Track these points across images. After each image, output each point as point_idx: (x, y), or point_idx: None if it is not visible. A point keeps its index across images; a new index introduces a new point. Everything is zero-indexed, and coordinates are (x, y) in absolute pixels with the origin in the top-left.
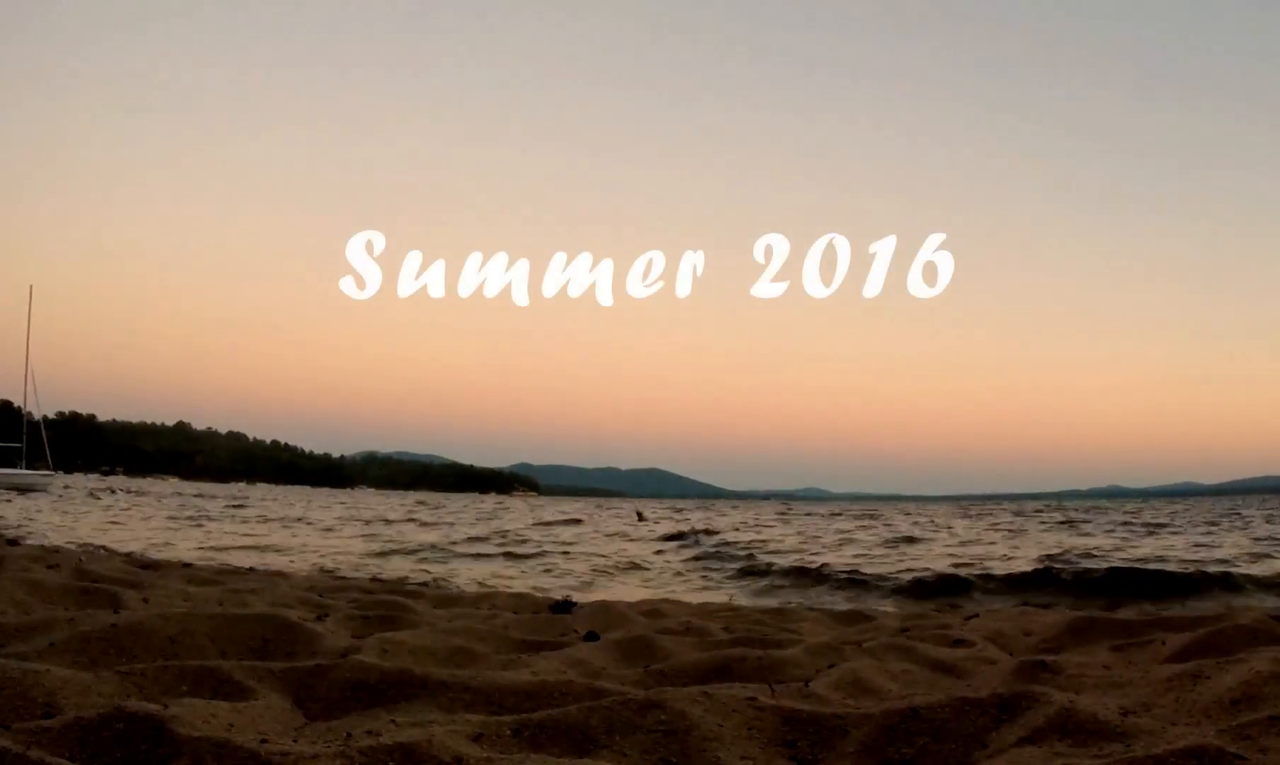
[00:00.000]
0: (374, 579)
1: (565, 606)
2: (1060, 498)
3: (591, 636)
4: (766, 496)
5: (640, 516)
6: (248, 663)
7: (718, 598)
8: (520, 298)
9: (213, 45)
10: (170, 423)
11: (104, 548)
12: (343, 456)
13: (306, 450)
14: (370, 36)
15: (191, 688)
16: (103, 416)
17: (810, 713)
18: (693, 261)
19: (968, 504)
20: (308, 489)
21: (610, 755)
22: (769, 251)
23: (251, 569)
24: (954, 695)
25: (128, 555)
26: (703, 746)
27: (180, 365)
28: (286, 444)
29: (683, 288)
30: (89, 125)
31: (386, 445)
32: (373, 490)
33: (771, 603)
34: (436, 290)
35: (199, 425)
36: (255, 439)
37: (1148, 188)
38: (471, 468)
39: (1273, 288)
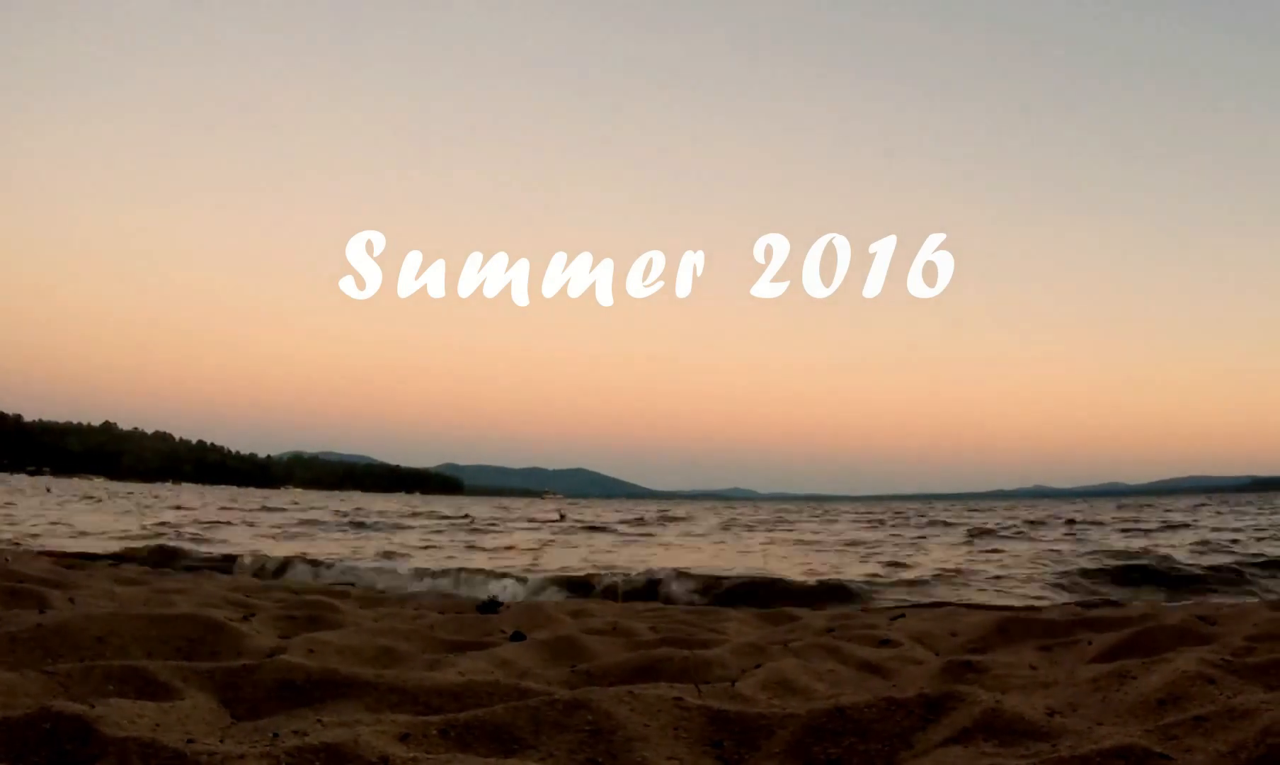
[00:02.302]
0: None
1: (492, 606)
2: (986, 498)
3: (518, 636)
4: (693, 496)
5: (561, 516)
6: (174, 663)
7: None
8: (444, 299)
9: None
10: (97, 423)
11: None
12: (269, 457)
13: (233, 450)
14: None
15: (118, 688)
16: (29, 417)
17: (736, 713)
18: (614, 268)
19: (894, 504)
20: (234, 489)
21: (537, 755)
22: (697, 258)
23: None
24: (880, 695)
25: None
26: (629, 746)
27: (106, 366)
28: (213, 444)
29: (607, 292)
30: (11, 121)
31: (313, 446)
32: (299, 490)
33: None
34: (366, 293)
35: (125, 425)
36: (182, 439)
37: (1071, 191)
38: (397, 468)
39: (1197, 293)
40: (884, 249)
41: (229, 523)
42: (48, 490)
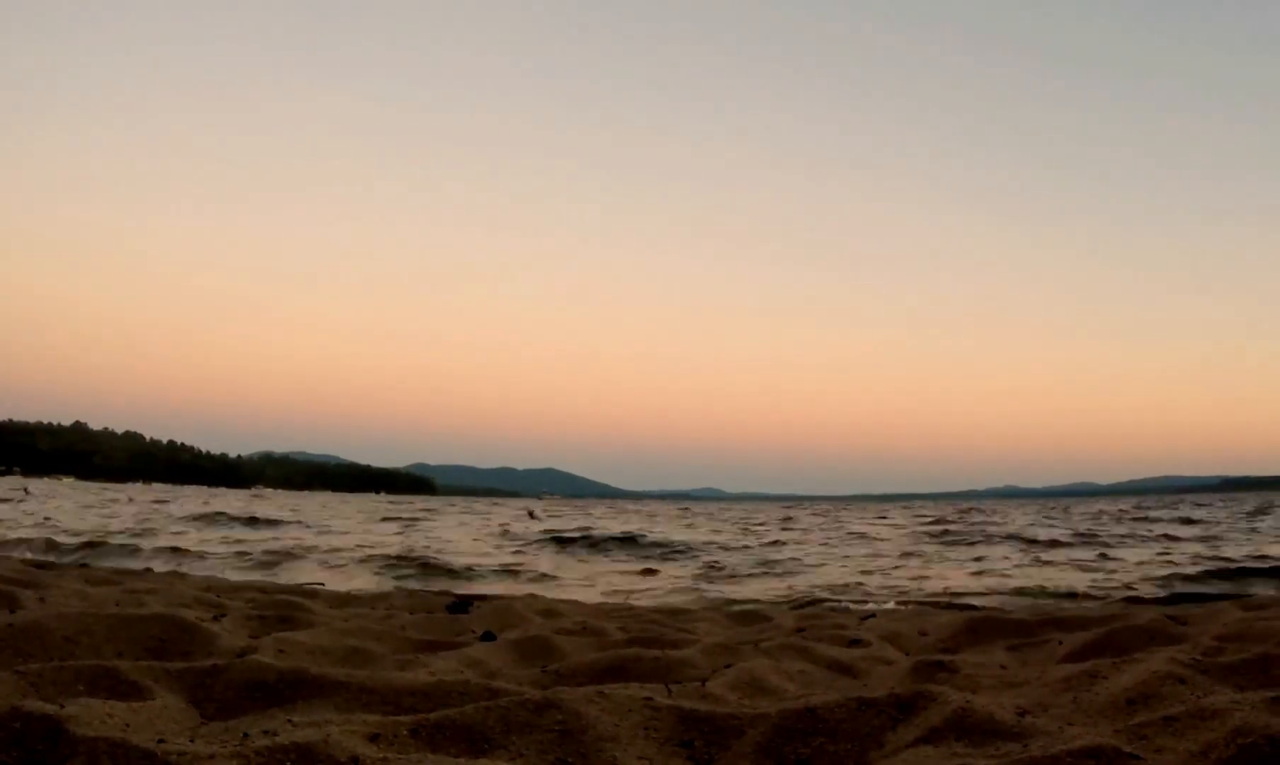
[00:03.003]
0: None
1: (462, 606)
2: (959, 498)
3: (488, 636)
4: (662, 496)
5: (531, 515)
6: (144, 663)
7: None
8: (416, 300)
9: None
10: (67, 422)
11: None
12: (240, 456)
13: (204, 450)
14: None
15: (88, 687)
16: None
17: (707, 712)
18: (589, 267)
19: (864, 504)
20: (205, 489)
21: (507, 755)
22: (669, 259)
23: (149, 569)
24: (850, 695)
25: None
26: (599, 746)
27: (77, 365)
28: (184, 444)
29: (579, 291)
30: None
31: (284, 445)
32: (269, 489)
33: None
34: (337, 291)
35: (96, 425)
36: (152, 439)
37: (1042, 192)
38: (368, 468)
39: (1169, 295)
40: (854, 251)
41: None
42: (25, 491)
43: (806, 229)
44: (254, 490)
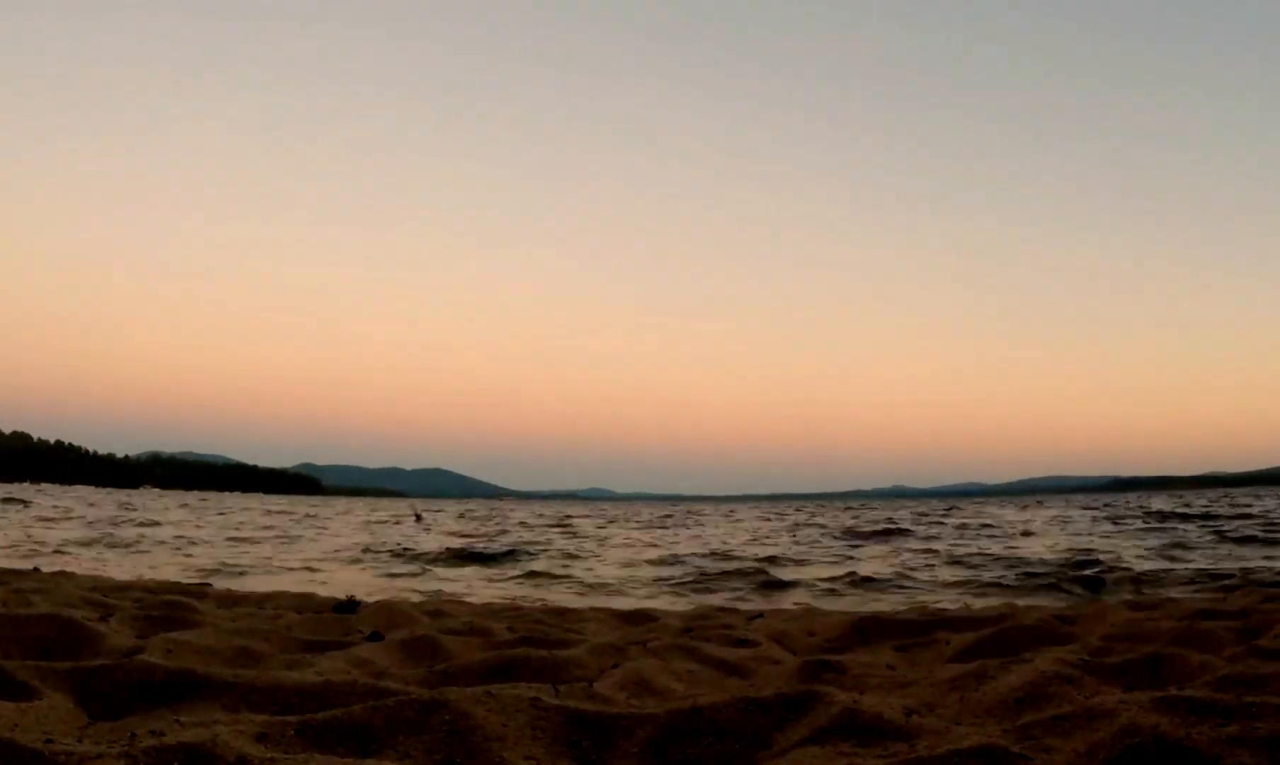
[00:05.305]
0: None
1: (349, 606)
2: (847, 498)
3: (375, 636)
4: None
5: (417, 517)
6: (32, 663)
7: None
8: (301, 298)
9: None
10: None
11: None
12: (127, 457)
13: (91, 450)
14: None
15: None
16: None
17: (594, 713)
18: (476, 266)
19: (752, 504)
20: (91, 489)
21: (394, 755)
22: (557, 258)
23: (35, 569)
24: (738, 695)
25: None
26: (487, 746)
27: None
28: (71, 444)
29: (467, 291)
30: None
31: (172, 446)
32: (157, 490)
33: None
34: (226, 289)
35: None
36: (40, 439)
37: (930, 190)
38: (255, 468)
39: (1060, 297)
40: (745, 251)
41: None
42: None
43: (694, 228)
44: (141, 490)
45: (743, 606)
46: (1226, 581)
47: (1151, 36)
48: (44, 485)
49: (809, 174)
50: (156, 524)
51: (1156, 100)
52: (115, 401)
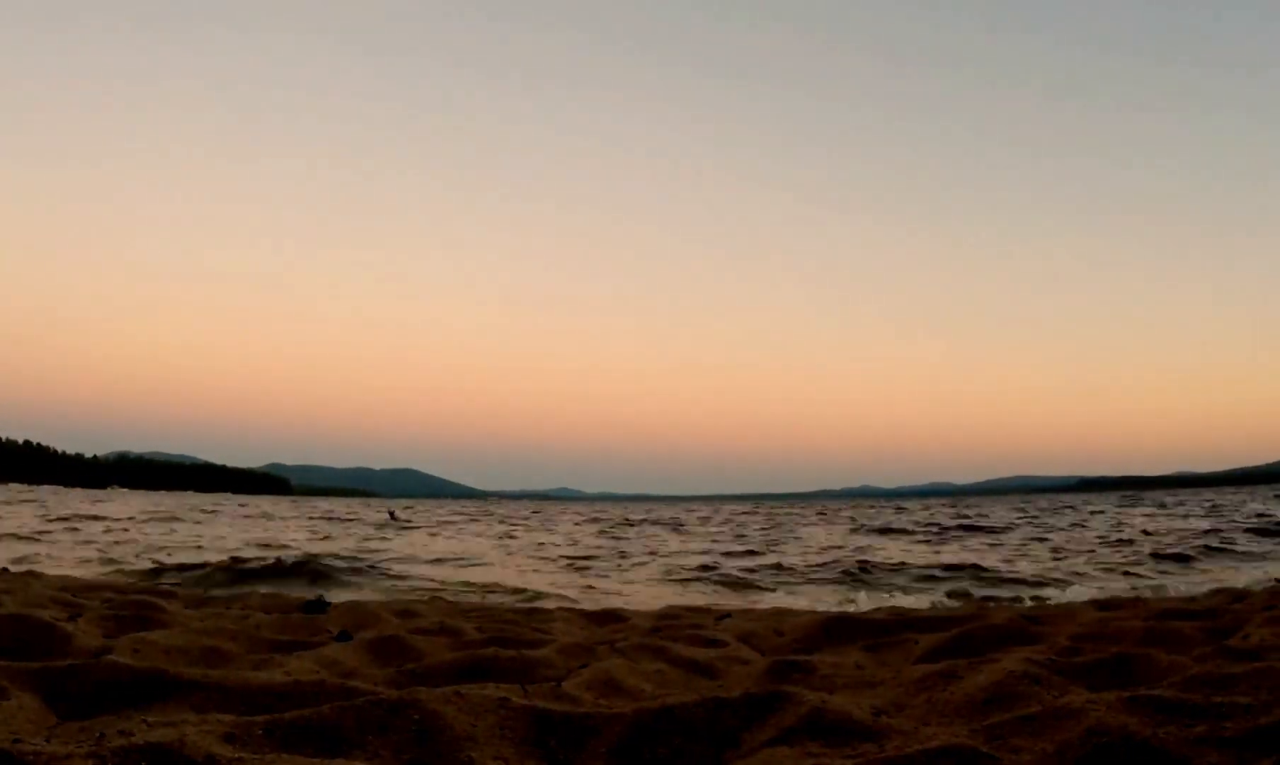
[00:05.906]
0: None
1: (318, 606)
2: (813, 498)
3: (344, 636)
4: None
5: (392, 516)
6: (0, 663)
7: None
8: (275, 299)
9: None
10: None
11: None
12: (95, 457)
13: (59, 450)
14: None
15: None
16: None
17: (563, 713)
18: (452, 267)
19: (720, 503)
20: (60, 489)
21: (363, 755)
22: (520, 261)
23: (4, 569)
24: (707, 695)
25: None
26: (456, 746)
27: None
28: (39, 444)
29: (442, 291)
30: None
31: (140, 446)
32: (125, 490)
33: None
34: (195, 290)
35: None
36: (8, 439)
37: (899, 192)
38: (224, 468)
39: (1028, 299)
40: (712, 255)
41: None
42: None
43: (660, 233)
44: (109, 490)
45: (713, 605)
46: None
47: (1109, 45)
48: (11, 485)
49: (775, 179)
50: None
51: (1119, 108)
52: (84, 402)
